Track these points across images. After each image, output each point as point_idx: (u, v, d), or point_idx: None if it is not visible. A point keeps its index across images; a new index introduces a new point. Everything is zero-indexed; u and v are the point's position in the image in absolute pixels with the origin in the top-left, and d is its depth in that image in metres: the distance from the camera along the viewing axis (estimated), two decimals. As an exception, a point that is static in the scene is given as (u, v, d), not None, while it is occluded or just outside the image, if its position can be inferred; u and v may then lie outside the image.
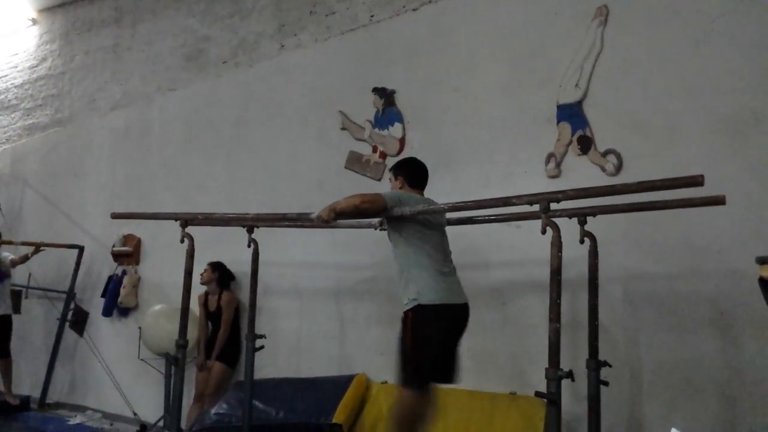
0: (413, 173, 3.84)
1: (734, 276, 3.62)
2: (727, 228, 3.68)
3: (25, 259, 7.08)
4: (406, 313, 3.46)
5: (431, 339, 3.39)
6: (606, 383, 3.51)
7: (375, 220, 4.08)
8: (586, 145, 4.22)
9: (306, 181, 5.64)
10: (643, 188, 2.91)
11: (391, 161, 5.03)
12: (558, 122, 4.37)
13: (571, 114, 4.31)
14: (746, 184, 3.64)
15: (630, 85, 4.14)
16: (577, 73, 4.31)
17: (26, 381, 7.57)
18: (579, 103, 4.29)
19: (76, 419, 6.71)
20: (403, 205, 3.49)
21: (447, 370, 3.55)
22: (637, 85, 4.11)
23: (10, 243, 7.04)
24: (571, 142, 4.29)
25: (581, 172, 4.19)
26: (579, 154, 4.25)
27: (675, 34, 4.01)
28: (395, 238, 3.59)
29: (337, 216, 3.49)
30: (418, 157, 4.39)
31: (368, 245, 5.05)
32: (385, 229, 3.79)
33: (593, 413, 3.46)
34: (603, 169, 4.13)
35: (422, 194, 3.79)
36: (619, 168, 4.08)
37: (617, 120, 4.16)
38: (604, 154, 4.14)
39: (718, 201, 3.17)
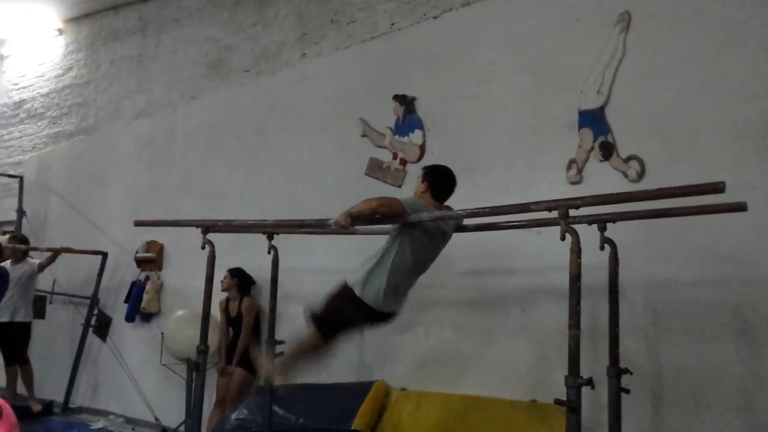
0: (441, 185, 3.78)
1: (758, 283, 3.58)
2: (750, 235, 3.64)
3: (51, 260, 7.15)
4: (346, 284, 3.60)
5: (345, 316, 3.61)
6: (627, 391, 3.47)
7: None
8: (608, 151, 4.20)
9: (327, 188, 5.66)
10: (663, 195, 2.88)
11: (411, 168, 5.05)
12: (579, 128, 4.35)
13: (593, 120, 4.29)
14: (769, 189, 3.60)
15: (652, 91, 4.11)
16: (599, 79, 4.29)
17: (50, 385, 7.65)
18: (601, 109, 4.27)
19: (99, 423, 6.78)
20: (419, 213, 3.49)
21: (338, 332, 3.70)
22: (659, 91, 4.08)
23: (35, 249, 7.12)
24: (592, 148, 4.27)
25: (603, 179, 4.16)
26: (601, 161, 4.23)
27: (697, 39, 3.98)
28: (395, 234, 3.61)
29: (354, 220, 3.50)
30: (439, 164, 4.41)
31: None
32: None
33: (614, 421, 3.43)
34: (625, 175, 4.10)
35: (440, 207, 3.74)
36: (641, 174, 4.05)
37: (639, 126, 4.13)
38: (627, 160, 4.11)
39: (740, 207, 3.14)
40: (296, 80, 6.23)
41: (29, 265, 7.05)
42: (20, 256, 7.04)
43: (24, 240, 7.27)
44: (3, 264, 6.69)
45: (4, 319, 6.76)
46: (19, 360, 6.96)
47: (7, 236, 7.40)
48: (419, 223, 3.52)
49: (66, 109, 9.05)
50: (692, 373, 3.75)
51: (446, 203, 3.82)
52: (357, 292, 3.52)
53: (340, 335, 3.69)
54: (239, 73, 6.87)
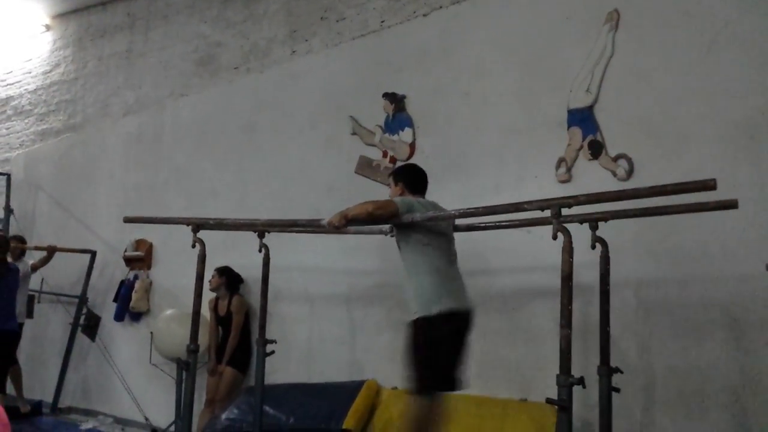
0: (413, 179, 3.81)
1: (747, 282, 3.59)
2: (739, 233, 3.65)
3: (45, 261, 7.10)
4: (413, 321, 3.45)
5: (436, 347, 3.40)
6: (617, 390, 3.47)
7: (386, 227, 4.07)
8: (597, 149, 4.20)
9: (316, 185, 5.65)
10: (654, 193, 2.89)
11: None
12: (569, 127, 4.35)
13: (582, 119, 4.29)
14: (759, 188, 3.61)
15: (641, 90, 4.12)
16: (588, 77, 4.29)
17: (38, 385, 7.61)
18: (590, 108, 4.27)
19: (88, 424, 6.75)
20: (413, 211, 3.48)
21: (452, 378, 3.52)
22: (648, 90, 4.09)
23: (23, 247, 7.02)
24: (582, 146, 4.27)
25: (592, 177, 4.16)
26: (590, 159, 4.23)
27: (686, 38, 3.99)
28: (403, 245, 3.58)
29: (348, 222, 3.49)
30: (429, 162, 4.39)
31: (379, 250, 5.04)
32: (395, 235, 3.78)
33: (604, 420, 3.43)
34: (614, 174, 4.11)
35: (425, 199, 3.76)
36: (630, 173, 4.06)
37: (628, 125, 4.13)
38: (615, 158, 4.12)
39: (731, 205, 3.15)
40: (286, 77, 6.20)
41: (23, 266, 6.92)
42: (17, 257, 6.91)
43: (23, 241, 7.18)
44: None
45: None
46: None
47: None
48: (413, 223, 3.49)
49: (53, 106, 8.99)
50: (682, 371, 3.76)
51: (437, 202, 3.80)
52: (428, 313, 3.39)
53: (445, 378, 3.48)
54: (228, 70, 6.84)
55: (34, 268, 7.08)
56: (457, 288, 3.56)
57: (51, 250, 7.10)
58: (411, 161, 5.00)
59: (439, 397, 3.48)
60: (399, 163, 5.12)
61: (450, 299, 3.43)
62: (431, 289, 3.42)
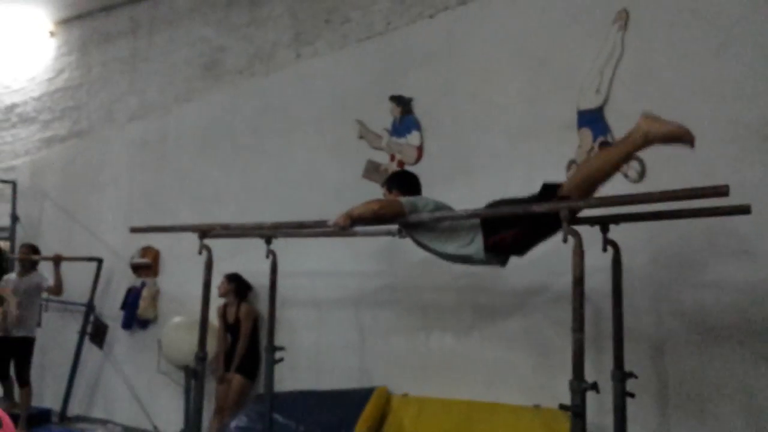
0: (406, 184, 3.83)
1: (762, 284, 3.55)
2: (753, 236, 3.61)
3: (58, 280, 6.85)
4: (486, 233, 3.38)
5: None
6: (632, 395, 3.42)
7: (394, 228, 4.02)
8: (607, 151, 4.15)
9: (323, 190, 5.61)
10: (666, 197, 2.86)
11: (409, 170, 4.98)
12: (579, 128, 4.31)
13: (592, 120, 4.25)
14: (771, 190, 3.56)
15: (651, 90, 4.07)
16: (597, 78, 4.25)
17: (47, 394, 7.59)
18: (600, 109, 4.23)
19: (97, 432, 6.72)
20: (418, 210, 3.46)
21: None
22: (658, 90, 4.04)
23: (27, 258, 6.91)
24: (592, 148, 4.23)
25: (603, 179, 4.11)
26: (600, 161, 4.18)
27: (696, 38, 3.94)
28: (427, 235, 3.52)
29: (354, 222, 3.45)
30: (437, 165, 4.37)
31: (388, 253, 5.01)
32: (404, 237, 3.75)
33: (619, 426, 3.38)
34: (626, 176, 4.06)
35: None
36: (642, 174, 4.02)
37: (639, 125, 4.08)
38: (627, 160, 4.07)
39: (744, 210, 3.11)
40: (291, 81, 6.17)
41: (38, 278, 6.78)
42: (28, 267, 6.79)
43: (35, 250, 7.00)
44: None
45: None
46: (19, 379, 6.58)
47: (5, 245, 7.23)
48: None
49: (58, 112, 8.97)
50: (697, 375, 3.72)
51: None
52: None
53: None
54: (233, 74, 6.81)
55: (51, 291, 6.82)
56: None
57: (56, 260, 6.97)
58: (419, 164, 4.98)
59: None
60: (407, 167, 5.09)
61: None
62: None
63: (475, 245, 3.39)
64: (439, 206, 3.60)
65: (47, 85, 9.25)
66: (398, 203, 3.45)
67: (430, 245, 3.54)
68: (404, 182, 3.86)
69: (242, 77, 6.71)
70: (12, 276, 6.83)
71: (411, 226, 3.54)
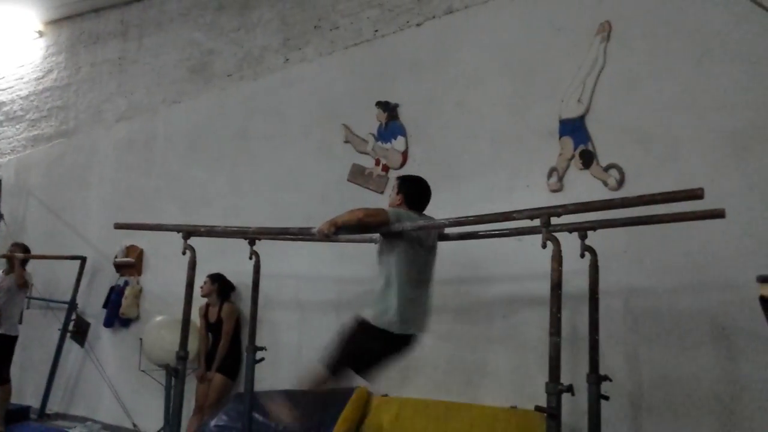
0: (417, 195, 3.76)
1: (736, 291, 3.62)
2: (728, 243, 3.69)
3: (20, 273, 6.62)
4: (362, 319, 3.53)
5: (364, 350, 3.52)
6: (606, 398, 3.49)
7: (376, 235, 4.06)
8: (588, 159, 4.24)
9: (309, 193, 5.66)
10: (642, 202, 2.92)
11: (393, 174, 5.05)
12: (560, 137, 4.39)
13: (574, 128, 4.33)
14: (748, 199, 3.65)
15: (632, 100, 4.16)
16: (579, 88, 4.34)
17: (27, 391, 7.55)
18: (581, 118, 4.31)
19: (76, 430, 6.68)
20: (402, 221, 3.47)
21: (360, 374, 3.63)
22: (639, 100, 4.13)
23: (11, 257, 6.84)
24: (573, 156, 4.31)
25: (583, 187, 4.20)
26: (581, 169, 4.27)
27: (678, 49, 4.03)
28: (386, 254, 3.56)
29: (338, 230, 3.49)
30: (421, 171, 4.40)
31: (369, 258, 4.99)
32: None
33: (593, 428, 3.44)
34: (605, 184, 4.15)
35: (420, 215, 3.73)
36: (621, 182, 4.10)
37: (620, 135, 4.17)
38: (607, 168, 4.16)
39: (718, 214, 3.18)
40: (279, 85, 6.22)
41: (27, 274, 6.71)
42: (14, 265, 6.64)
43: (26, 249, 6.88)
44: None
45: None
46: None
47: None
48: (405, 233, 3.49)
49: (45, 112, 8.96)
50: (670, 380, 3.79)
51: (425, 213, 3.79)
52: (371, 320, 3.47)
53: (357, 369, 3.58)
54: (221, 78, 6.85)
55: (20, 285, 6.63)
56: (416, 315, 3.58)
57: (22, 258, 6.75)
58: (403, 169, 5.03)
59: (340, 378, 3.58)
60: (392, 172, 5.15)
61: (402, 326, 3.46)
62: (392, 309, 3.43)
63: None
64: (421, 222, 3.63)
65: (35, 84, 9.24)
66: (384, 213, 3.47)
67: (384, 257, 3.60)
68: (415, 190, 3.78)
69: (231, 81, 6.75)
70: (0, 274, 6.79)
71: (390, 236, 3.55)
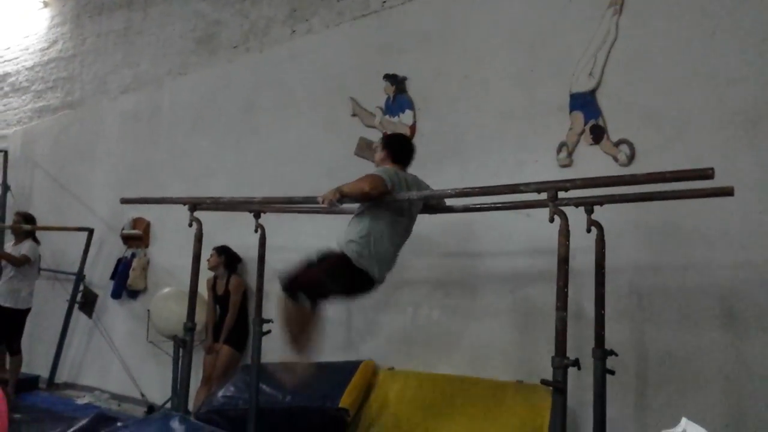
0: (400, 149, 3.94)
1: (743, 268, 3.62)
2: (737, 220, 3.66)
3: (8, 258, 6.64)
4: (340, 252, 3.62)
5: (335, 278, 3.59)
6: (612, 372, 3.50)
7: None
8: (598, 134, 4.20)
9: (315, 167, 5.64)
10: (651, 179, 2.91)
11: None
12: (571, 111, 4.35)
13: (584, 103, 4.29)
14: (758, 176, 3.62)
15: (644, 75, 4.11)
16: (590, 61, 4.28)
17: (36, 361, 7.63)
18: (592, 93, 4.27)
19: (85, 399, 6.78)
20: (395, 187, 3.55)
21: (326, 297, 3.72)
22: (651, 75, 4.08)
23: (19, 228, 6.87)
24: (583, 131, 4.27)
25: (593, 162, 4.17)
26: (591, 144, 4.24)
27: (690, 24, 3.97)
28: (367, 209, 3.67)
29: (343, 198, 3.51)
30: (428, 145, 4.40)
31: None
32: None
33: (598, 402, 3.46)
34: (615, 159, 4.12)
35: (404, 170, 3.87)
36: (631, 158, 4.06)
37: (630, 110, 4.13)
38: (617, 144, 4.12)
39: (727, 192, 3.17)
40: (285, 57, 6.17)
41: (31, 248, 6.67)
42: (22, 236, 6.73)
43: (29, 218, 6.92)
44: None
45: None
46: (10, 348, 6.62)
47: None
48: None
49: (51, 83, 8.93)
50: (676, 356, 3.79)
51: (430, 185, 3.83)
52: (350, 255, 3.56)
53: (326, 299, 3.72)
54: (227, 49, 6.80)
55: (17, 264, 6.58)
56: (387, 266, 3.72)
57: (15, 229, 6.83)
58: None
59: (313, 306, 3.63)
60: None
61: (375, 268, 3.60)
62: (368, 252, 3.55)
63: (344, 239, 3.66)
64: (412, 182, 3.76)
65: (40, 55, 9.21)
66: (382, 182, 3.51)
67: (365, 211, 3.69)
68: (399, 146, 3.97)
69: (236, 52, 6.70)
70: (8, 245, 6.82)
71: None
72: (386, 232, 3.63)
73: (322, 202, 3.54)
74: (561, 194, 2.94)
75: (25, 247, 6.62)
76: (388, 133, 4.14)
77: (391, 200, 3.58)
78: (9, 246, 6.85)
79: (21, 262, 6.52)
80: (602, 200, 3.39)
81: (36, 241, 6.79)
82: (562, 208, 2.88)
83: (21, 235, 6.74)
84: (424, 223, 4.80)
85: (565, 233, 2.84)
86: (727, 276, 3.69)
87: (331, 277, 3.58)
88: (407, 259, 4.96)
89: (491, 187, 3.43)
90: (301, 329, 3.64)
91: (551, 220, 2.85)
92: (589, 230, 3.33)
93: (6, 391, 5.95)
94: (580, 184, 2.99)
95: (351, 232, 3.64)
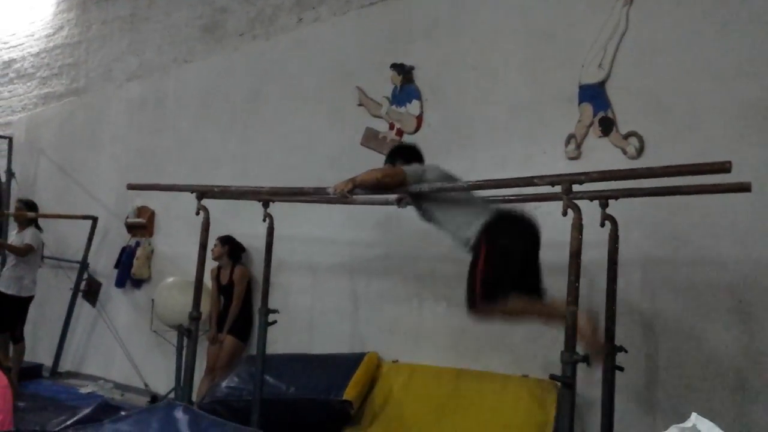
0: (408, 155, 3.86)
1: (755, 264, 3.57)
2: (749, 215, 3.61)
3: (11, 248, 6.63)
4: (477, 238, 3.34)
5: (507, 249, 3.30)
6: (621, 369, 3.46)
7: (393, 197, 4.02)
8: (607, 126, 4.15)
9: (320, 157, 5.60)
10: (668, 173, 2.87)
11: (407, 139, 4.99)
12: (579, 103, 4.29)
13: (594, 95, 4.23)
14: (770, 170, 3.57)
15: (654, 67, 4.05)
16: (600, 53, 4.23)
17: (39, 349, 7.64)
18: (602, 84, 4.21)
19: (88, 388, 6.77)
20: (422, 180, 3.47)
21: (527, 284, 3.39)
22: (661, 67, 4.02)
23: (23, 215, 6.85)
24: (592, 123, 4.22)
25: (602, 155, 4.12)
26: (600, 136, 4.18)
27: (701, 15, 3.91)
28: (436, 207, 3.55)
29: (355, 187, 3.46)
30: (435, 136, 4.36)
31: (383, 222, 5.02)
32: (404, 206, 3.85)
33: (607, 398, 3.42)
34: (624, 152, 4.06)
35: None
36: (640, 151, 4.01)
37: (640, 102, 4.08)
38: (626, 136, 4.07)
39: (744, 188, 3.12)
40: (292, 46, 6.11)
41: (34, 235, 6.64)
42: (24, 223, 6.71)
43: (31, 205, 6.89)
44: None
45: (2, 288, 6.44)
46: (13, 336, 6.61)
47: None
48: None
49: (56, 69, 8.91)
50: (686, 352, 3.75)
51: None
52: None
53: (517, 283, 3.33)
54: (234, 37, 6.75)
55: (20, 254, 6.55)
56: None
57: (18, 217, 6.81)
58: (417, 134, 4.97)
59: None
60: (406, 136, 5.08)
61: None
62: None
63: (471, 233, 3.40)
64: (444, 175, 3.61)
65: (46, 41, 9.18)
66: (402, 172, 3.47)
67: (435, 214, 3.57)
68: (407, 155, 3.87)
69: (242, 40, 6.65)
70: (13, 233, 6.81)
71: (417, 196, 3.56)
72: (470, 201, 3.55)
73: (334, 193, 3.51)
74: (575, 187, 2.90)
75: (28, 236, 6.60)
76: (390, 150, 4.08)
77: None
78: (12, 234, 6.83)
79: (25, 252, 6.49)
80: (617, 194, 3.34)
81: (38, 228, 6.77)
82: (575, 201, 2.84)
83: (24, 223, 6.71)
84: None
85: (578, 227, 2.80)
86: (738, 271, 3.64)
87: (503, 254, 3.30)
88: (414, 253, 4.97)
89: (505, 179, 3.39)
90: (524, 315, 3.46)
91: (564, 213, 2.81)
92: (603, 224, 3.28)
93: (10, 379, 5.97)
94: (595, 177, 2.95)
95: (462, 227, 3.46)
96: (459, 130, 4.84)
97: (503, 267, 3.29)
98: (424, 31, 5.19)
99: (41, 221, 6.98)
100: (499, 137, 4.67)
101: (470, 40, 4.92)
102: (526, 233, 3.44)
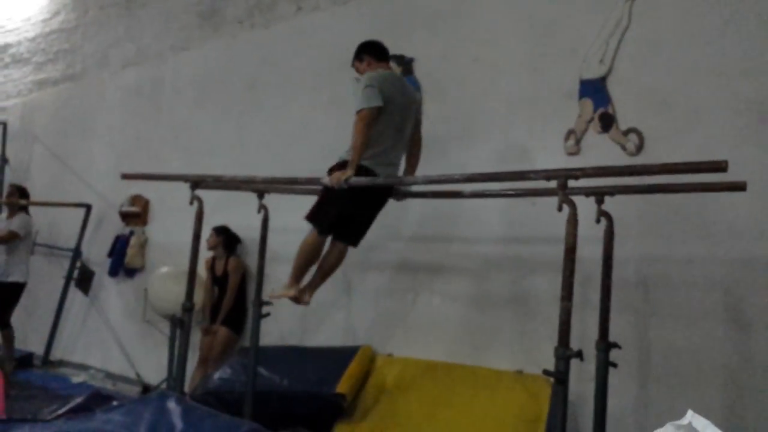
0: (375, 49, 4.12)
1: (750, 263, 3.56)
2: (745, 214, 3.60)
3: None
4: (339, 163, 3.75)
5: (346, 193, 3.67)
6: (615, 365, 3.45)
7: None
8: (607, 122, 4.12)
9: (318, 146, 5.54)
10: (665, 170, 2.86)
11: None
12: (580, 98, 4.26)
13: (594, 90, 4.20)
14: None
15: (655, 63, 4.02)
16: (602, 48, 4.19)
17: (30, 338, 7.59)
18: (603, 80, 4.18)
19: (79, 377, 6.73)
20: (377, 91, 3.72)
21: (349, 230, 3.94)
22: (662, 64, 3.99)
23: (15, 203, 6.82)
24: (592, 118, 4.19)
25: (601, 150, 4.09)
26: (600, 132, 4.15)
27: (704, 12, 3.88)
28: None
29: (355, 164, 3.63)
30: (434, 128, 4.33)
31: (379, 215, 4.98)
32: (401, 200, 4.01)
33: (600, 394, 3.41)
34: (623, 148, 4.03)
35: (388, 67, 4.08)
36: (640, 147, 3.98)
37: (640, 98, 4.05)
38: (626, 132, 4.04)
39: (740, 187, 3.11)
40: (290, 35, 6.06)
41: (23, 221, 6.68)
42: (15, 209, 6.73)
43: (24, 192, 6.91)
44: None
45: None
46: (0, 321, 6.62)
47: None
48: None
49: (52, 54, 8.83)
50: (680, 349, 3.74)
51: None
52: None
53: (343, 225, 3.84)
54: (232, 25, 6.68)
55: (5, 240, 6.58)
56: (389, 164, 3.86)
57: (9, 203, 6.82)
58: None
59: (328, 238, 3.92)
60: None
61: (376, 164, 3.75)
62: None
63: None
64: (396, 77, 4.10)
65: (42, 26, 9.09)
66: (365, 113, 3.74)
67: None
68: (373, 48, 4.14)
69: (241, 28, 6.59)
70: (2, 218, 6.78)
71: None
72: (384, 128, 3.83)
73: (333, 185, 3.50)
74: (570, 183, 2.87)
75: (15, 223, 6.61)
76: (357, 48, 4.34)
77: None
78: (2, 219, 6.79)
79: (8, 239, 6.51)
80: (613, 190, 3.32)
81: (27, 213, 6.75)
82: (571, 196, 2.82)
83: (14, 209, 6.73)
84: (425, 207, 4.75)
85: (573, 223, 2.78)
86: (733, 270, 3.63)
87: (342, 194, 3.75)
88: (410, 246, 4.94)
89: (500, 173, 3.36)
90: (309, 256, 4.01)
91: (559, 208, 2.79)
92: (598, 221, 3.26)
93: (3, 367, 5.95)
94: (591, 173, 2.93)
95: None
96: (458, 123, 4.81)
97: (341, 205, 3.73)
98: (425, 22, 5.15)
99: (33, 208, 6.93)
100: (498, 131, 4.63)
101: (472, 32, 4.87)
102: (383, 194, 3.90)
